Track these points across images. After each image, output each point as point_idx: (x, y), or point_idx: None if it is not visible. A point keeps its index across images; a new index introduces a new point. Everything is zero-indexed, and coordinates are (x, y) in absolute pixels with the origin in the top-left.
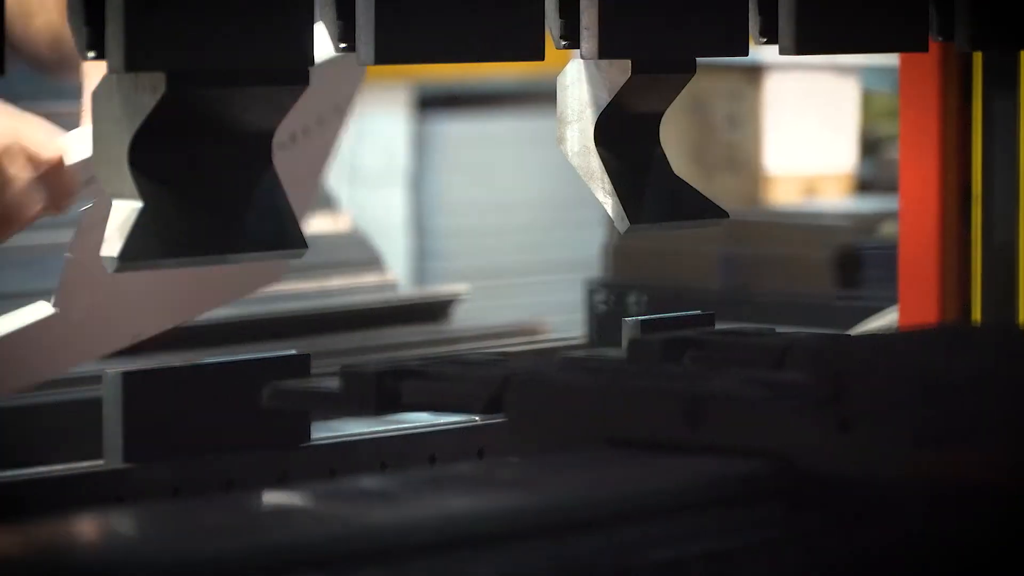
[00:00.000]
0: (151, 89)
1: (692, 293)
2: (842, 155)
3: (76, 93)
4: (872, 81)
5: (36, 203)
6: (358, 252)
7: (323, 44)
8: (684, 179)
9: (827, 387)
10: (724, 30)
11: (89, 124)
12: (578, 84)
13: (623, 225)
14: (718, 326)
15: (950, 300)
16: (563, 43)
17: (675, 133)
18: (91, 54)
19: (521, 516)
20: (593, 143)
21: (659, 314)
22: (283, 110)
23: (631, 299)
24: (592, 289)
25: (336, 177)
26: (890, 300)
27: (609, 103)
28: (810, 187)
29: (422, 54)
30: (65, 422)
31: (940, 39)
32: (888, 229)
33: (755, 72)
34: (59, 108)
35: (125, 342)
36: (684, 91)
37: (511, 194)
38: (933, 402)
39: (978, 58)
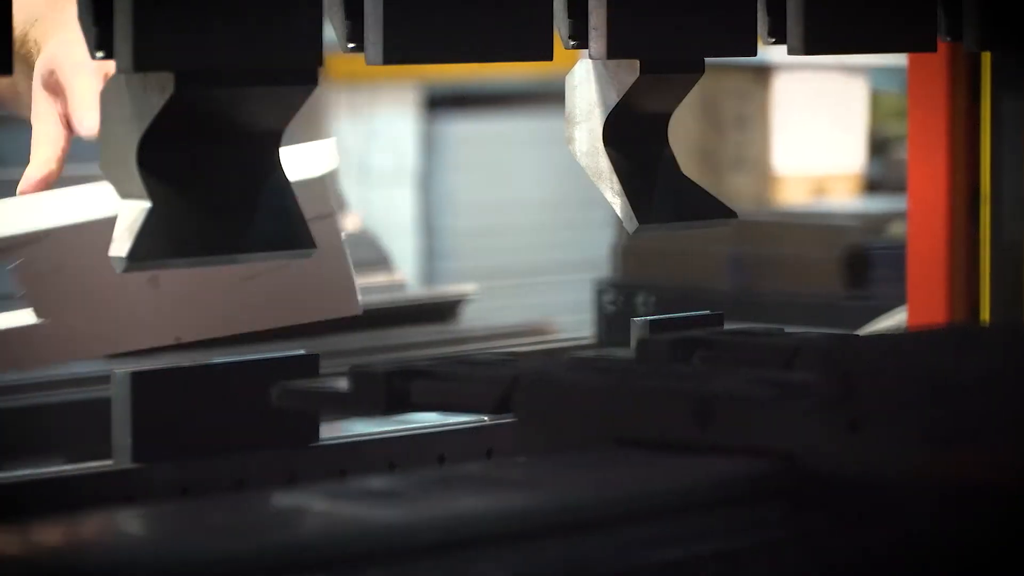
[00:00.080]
0: (160, 89)
1: (701, 293)
2: (850, 155)
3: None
4: (880, 81)
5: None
6: (367, 252)
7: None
8: (693, 179)
9: (836, 387)
10: (732, 30)
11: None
12: (587, 84)
13: (632, 225)
14: (727, 326)
15: (959, 300)
16: (571, 43)
17: (684, 133)
18: (100, 54)
19: (530, 516)
20: (602, 143)
21: (668, 314)
22: (292, 110)
23: (640, 299)
24: (601, 289)
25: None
26: (899, 300)
27: (618, 103)
28: (819, 187)
29: (431, 54)
30: (74, 422)
31: (948, 39)
32: (897, 229)
33: (764, 72)
34: None
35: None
36: (693, 91)
37: (520, 194)
38: (942, 402)
39: (986, 58)
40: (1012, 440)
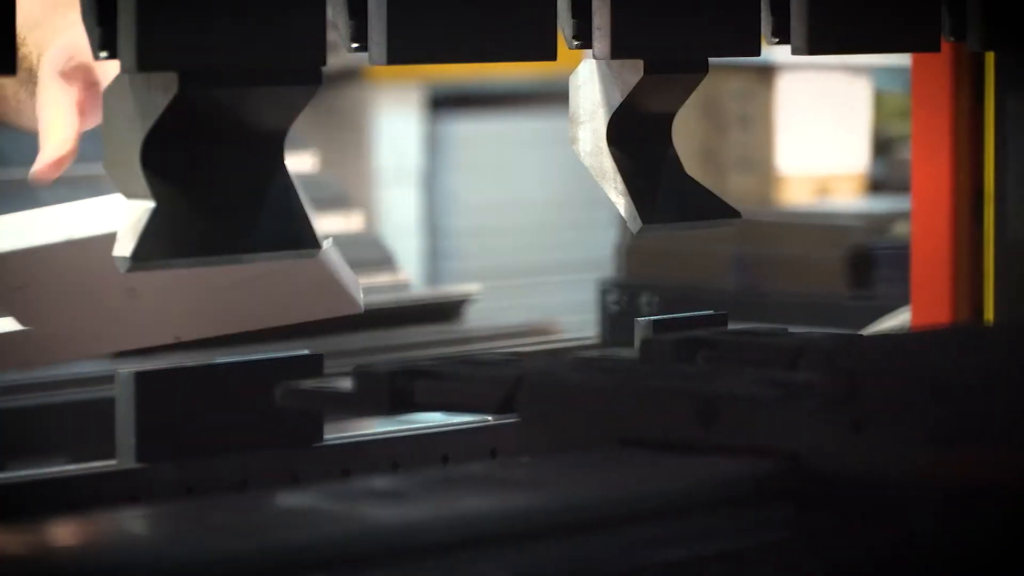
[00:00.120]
0: (163, 89)
1: (705, 293)
2: (854, 155)
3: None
4: (884, 81)
5: None
6: (371, 252)
7: None
8: (696, 179)
9: (840, 387)
10: (736, 30)
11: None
12: (590, 84)
13: (636, 225)
14: (731, 326)
15: (962, 300)
16: (575, 43)
17: (687, 133)
18: (103, 54)
19: (533, 516)
20: (606, 143)
21: (672, 314)
22: (296, 109)
23: (643, 299)
24: (605, 289)
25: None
26: (903, 300)
27: (621, 103)
28: (822, 187)
29: (434, 54)
30: (77, 422)
31: (952, 39)
32: (900, 229)
33: (767, 72)
34: None
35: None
36: (696, 91)
37: (524, 194)
38: (946, 402)
39: (990, 58)
40: (1016, 440)
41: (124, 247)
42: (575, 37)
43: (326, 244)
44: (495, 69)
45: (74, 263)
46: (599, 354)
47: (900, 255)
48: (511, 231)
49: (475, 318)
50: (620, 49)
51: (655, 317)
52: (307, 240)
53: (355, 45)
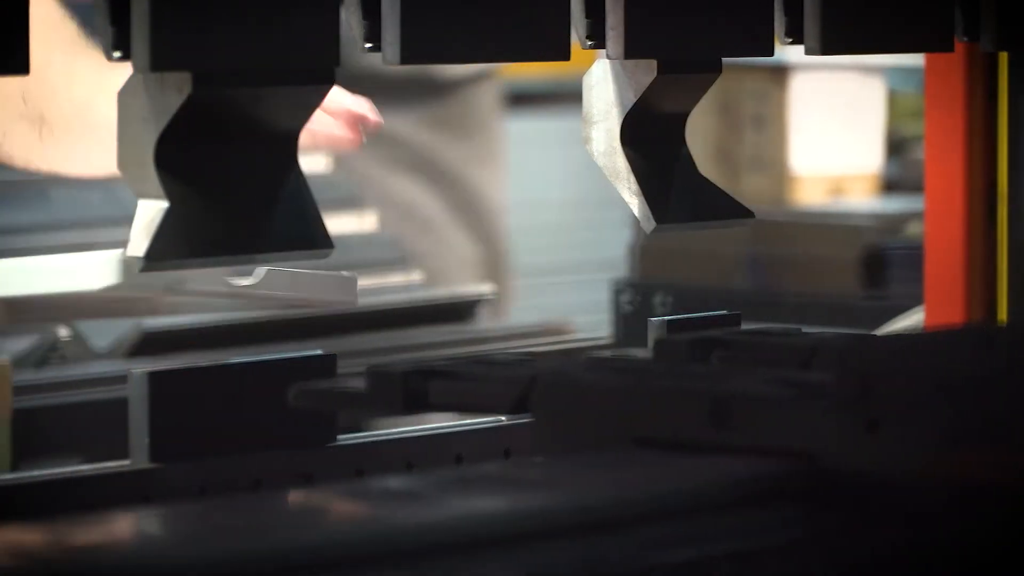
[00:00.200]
0: (177, 89)
1: (718, 293)
2: (868, 155)
3: None
4: (897, 81)
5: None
6: (384, 252)
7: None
8: (710, 179)
9: (854, 387)
10: (750, 30)
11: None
12: (604, 84)
13: (649, 225)
14: (744, 326)
15: (976, 300)
16: (589, 43)
17: (701, 133)
18: (116, 54)
19: (547, 516)
20: (619, 143)
21: (685, 314)
22: (310, 109)
23: (657, 299)
24: (618, 289)
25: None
26: (916, 300)
27: (635, 103)
28: (836, 187)
29: (448, 55)
30: (90, 422)
31: (965, 39)
32: (914, 229)
33: (781, 72)
34: None
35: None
36: (710, 91)
37: (536, 194)
38: (959, 402)
39: (1004, 58)
40: None
41: (137, 247)
42: (589, 37)
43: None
44: (509, 69)
45: None
46: (613, 354)
47: (913, 255)
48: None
49: (488, 318)
50: (633, 49)
51: (669, 317)
52: (320, 240)
53: (369, 45)
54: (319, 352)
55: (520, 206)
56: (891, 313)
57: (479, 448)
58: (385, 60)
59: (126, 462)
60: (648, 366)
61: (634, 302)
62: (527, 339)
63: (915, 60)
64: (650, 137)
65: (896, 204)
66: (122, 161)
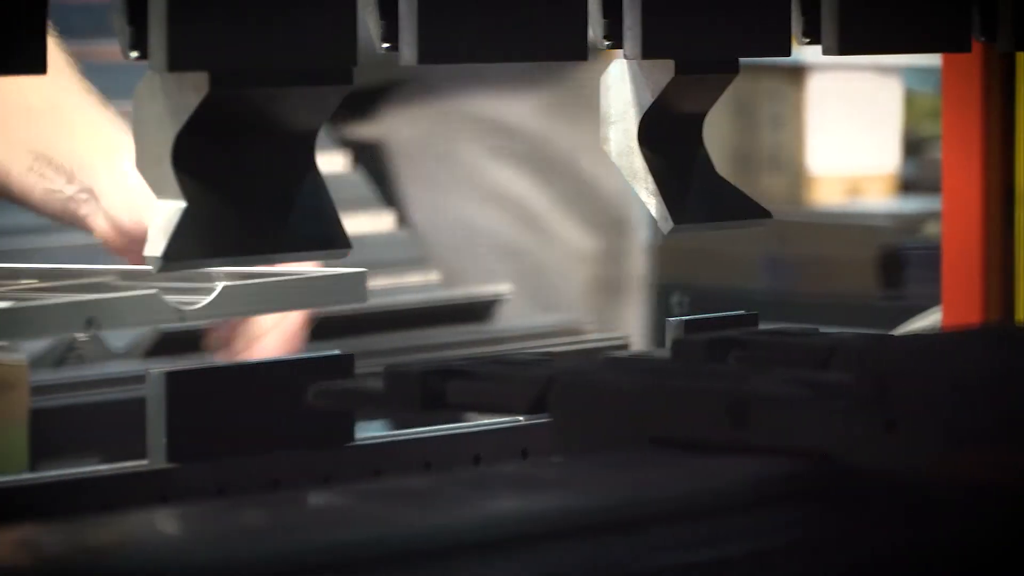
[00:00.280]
0: (194, 89)
1: (736, 293)
2: (885, 155)
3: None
4: (914, 81)
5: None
6: (402, 252)
7: None
8: (727, 180)
9: (871, 387)
10: (767, 30)
11: None
12: (621, 84)
13: (667, 225)
14: (762, 326)
15: (993, 300)
16: (606, 43)
17: (719, 133)
18: (134, 54)
19: (565, 516)
20: (637, 143)
21: (703, 314)
22: (328, 109)
23: (674, 299)
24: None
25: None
26: (933, 300)
27: (652, 103)
28: (853, 187)
29: (465, 54)
30: (108, 422)
31: (983, 39)
32: (931, 229)
33: (798, 72)
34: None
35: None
36: (727, 91)
37: None
38: (978, 402)
39: (1021, 58)
40: None
41: (155, 247)
42: (606, 37)
43: None
44: None
45: None
46: (630, 354)
47: (931, 255)
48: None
49: (506, 318)
50: (651, 49)
51: (686, 317)
52: (338, 241)
53: (386, 45)
54: (337, 352)
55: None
56: (908, 313)
57: (497, 448)
58: (402, 60)
59: (143, 462)
60: (665, 366)
61: (652, 302)
62: (544, 339)
63: (932, 60)
64: (667, 137)
65: (913, 204)
66: (140, 161)
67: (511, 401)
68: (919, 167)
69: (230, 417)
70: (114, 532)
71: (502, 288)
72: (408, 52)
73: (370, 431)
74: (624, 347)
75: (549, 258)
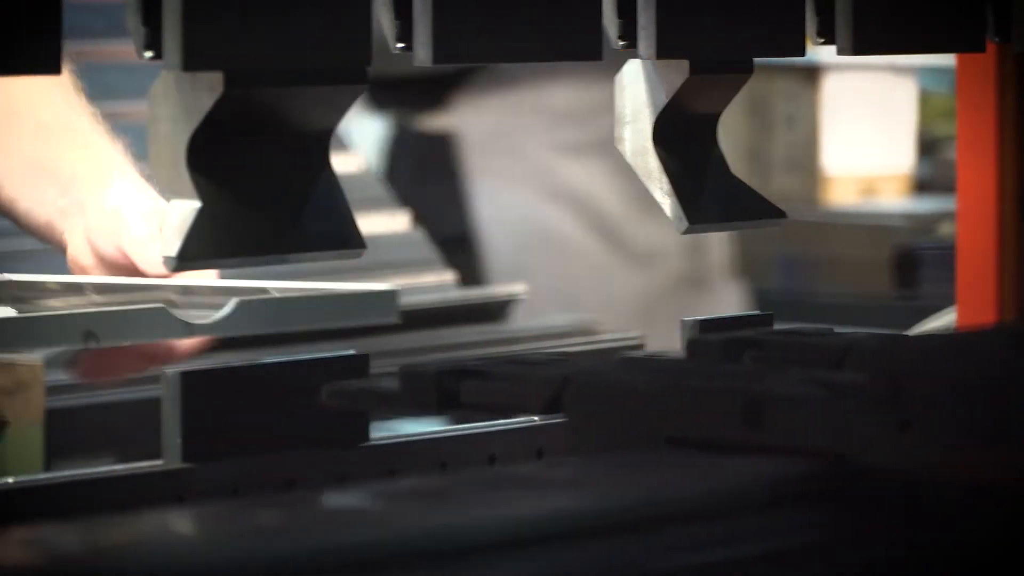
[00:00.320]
0: (209, 89)
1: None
2: (900, 155)
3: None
4: (929, 81)
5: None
6: (417, 252)
7: None
8: (742, 179)
9: (886, 387)
10: (781, 30)
11: None
12: (636, 84)
13: (681, 225)
14: (777, 326)
15: (1008, 300)
16: (621, 43)
17: (733, 133)
18: (148, 54)
19: (580, 516)
20: (651, 143)
21: (718, 314)
22: (342, 109)
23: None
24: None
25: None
26: (948, 300)
27: (667, 103)
28: (868, 187)
29: (480, 54)
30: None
31: (997, 40)
32: (946, 229)
33: (813, 72)
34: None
35: None
36: (742, 91)
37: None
38: (993, 402)
39: None
40: None
41: (170, 247)
42: (620, 37)
43: None
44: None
45: None
46: (645, 354)
47: (945, 255)
48: None
49: (521, 318)
50: (665, 49)
51: (702, 317)
52: (353, 240)
53: (401, 45)
54: (351, 352)
55: None
56: (923, 313)
57: (512, 448)
58: (417, 60)
59: (159, 462)
60: (680, 366)
61: None
62: (560, 339)
63: (947, 60)
64: (682, 137)
65: (928, 204)
66: (154, 161)
67: (526, 401)
68: (934, 167)
69: (245, 417)
70: (129, 532)
71: (518, 288)
72: (423, 52)
73: (385, 431)
74: (639, 347)
75: (620, 256)
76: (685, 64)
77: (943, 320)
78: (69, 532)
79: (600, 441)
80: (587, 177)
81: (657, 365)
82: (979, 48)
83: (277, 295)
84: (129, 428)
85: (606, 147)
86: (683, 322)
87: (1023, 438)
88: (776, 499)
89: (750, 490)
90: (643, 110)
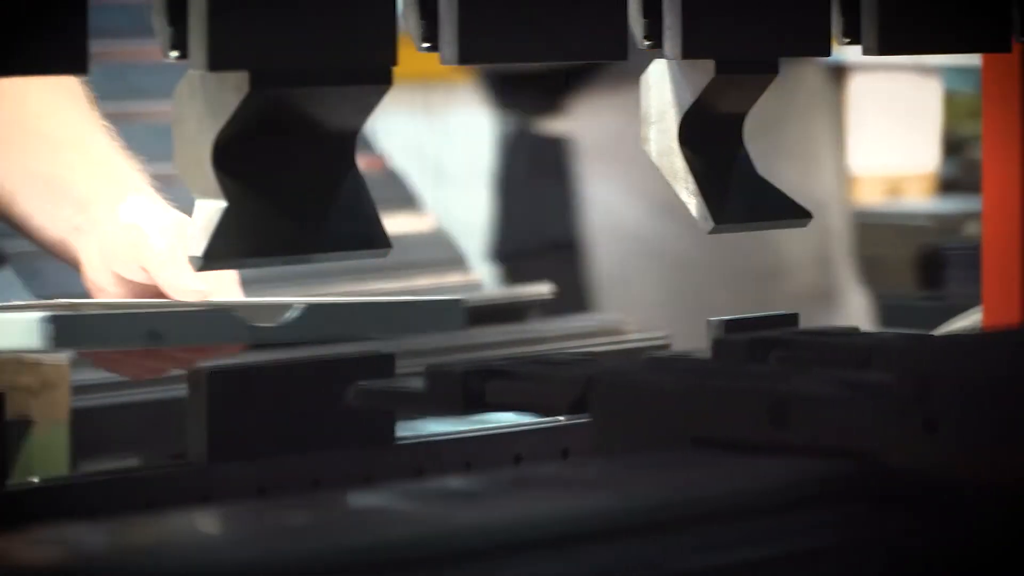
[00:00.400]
0: (235, 88)
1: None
2: (925, 155)
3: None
4: (954, 81)
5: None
6: (442, 252)
7: None
8: (768, 180)
9: (912, 388)
10: (807, 30)
11: None
12: (662, 84)
13: (707, 226)
14: (803, 326)
15: None
16: (646, 43)
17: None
18: (174, 54)
19: (605, 516)
20: (677, 143)
21: (744, 314)
22: (368, 109)
23: None
24: None
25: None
26: (974, 300)
27: (693, 103)
28: (894, 187)
29: (505, 54)
30: (149, 421)
31: (1023, 40)
32: (972, 229)
33: (838, 72)
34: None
35: None
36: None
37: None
38: (1018, 402)
39: None
40: None
41: (196, 247)
42: (646, 37)
43: None
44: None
45: None
46: (671, 354)
47: (971, 255)
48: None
49: (546, 318)
50: (691, 49)
51: (727, 317)
52: (378, 240)
53: (426, 45)
54: (377, 351)
55: None
56: (949, 313)
57: (538, 448)
58: (443, 60)
59: (184, 461)
60: (706, 366)
61: None
62: (585, 339)
63: (972, 60)
64: (708, 137)
65: (954, 204)
66: (180, 160)
67: (552, 401)
68: (959, 167)
69: (271, 416)
70: (154, 531)
71: (543, 289)
72: (448, 52)
73: (411, 431)
74: (665, 347)
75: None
76: (711, 64)
77: (969, 320)
78: (94, 532)
79: (625, 441)
80: None
81: (682, 365)
82: (1005, 48)
83: (344, 301)
84: (155, 427)
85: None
86: (709, 322)
87: None
88: (802, 499)
89: (775, 490)
90: (669, 110)
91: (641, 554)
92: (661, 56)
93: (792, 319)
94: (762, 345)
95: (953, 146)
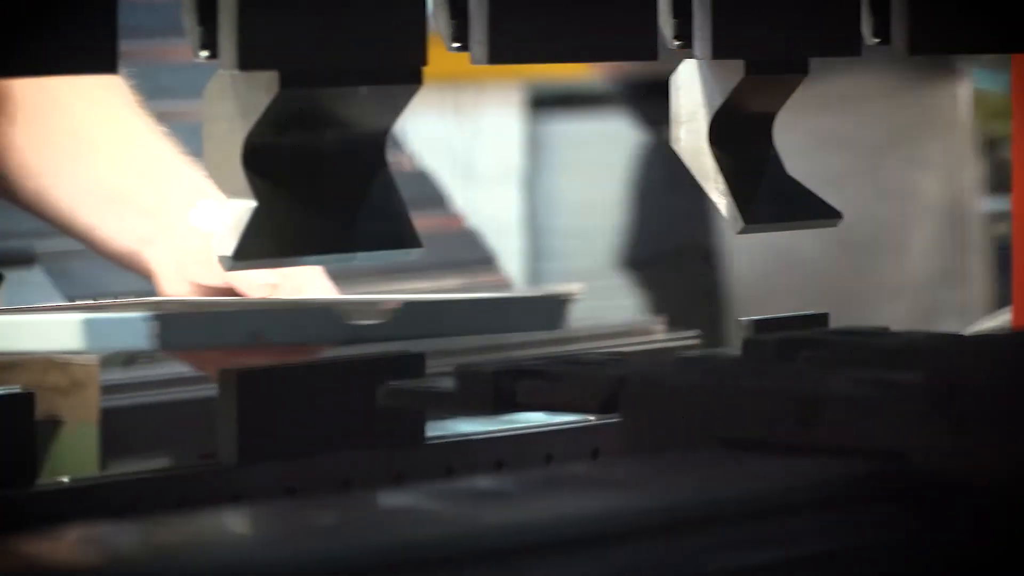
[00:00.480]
0: (265, 88)
1: None
2: None
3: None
4: (984, 81)
5: None
6: (472, 251)
7: None
8: (798, 180)
9: (941, 387)
10: (837, 31)
11: None
12: (692, 84)
13: (738, 226)
14: (832, 326)
15: None
16: (676, 43)
17: None
18: (204, 54)
19: (635, 516)
20: (707, 143)
21: (773, 314)
22: (398, 109)
23: None
24: None
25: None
26: (1004, 300)
27: (723, 104)
28: None
29: (536, 55)
30: (178, 421)
31: None
32: (1001, 229)
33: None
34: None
35: None
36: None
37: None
38: None
39: None
40: None
41: (226, 246)
42: (676, 37)
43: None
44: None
45: None
46: (701, 354)
47: (1001, 255)
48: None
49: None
50: (721, 49)
51: (757, 317)
52: (408, 240)
53: (456, 44)
54: (407, 351)
55: (606, 205)
56: (979, 313)
57: (568, 448)
58: (473, 60)
59: (214, 461)
60: (736, 366)
61: None
62: (615, 339)
63: (1001, 60)
64: (738, 137)
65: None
66: (209, 160)
67: (582, 401)
68: (989, 167)
69: (301, 416)
70: (184, 531)
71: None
72: (479, 51)
73: (441, 430)
74: (695, 347)
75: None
76: (741, 64)
77: (999, 320)
78: (124, 531)
79: (656, 441)
80: (842, 203)
81: (712, 365)
82: None
83: (442, 298)
84: (185, 427)
85: (863, 174)
86: (737, 322)
87: None
88: (830, 499)
89: (804, 490)
90: (699, 110)
91: (671, 554)
92: (691, 56)
93: (822, 319)
94: (791, 345)
95: (983, 146)
